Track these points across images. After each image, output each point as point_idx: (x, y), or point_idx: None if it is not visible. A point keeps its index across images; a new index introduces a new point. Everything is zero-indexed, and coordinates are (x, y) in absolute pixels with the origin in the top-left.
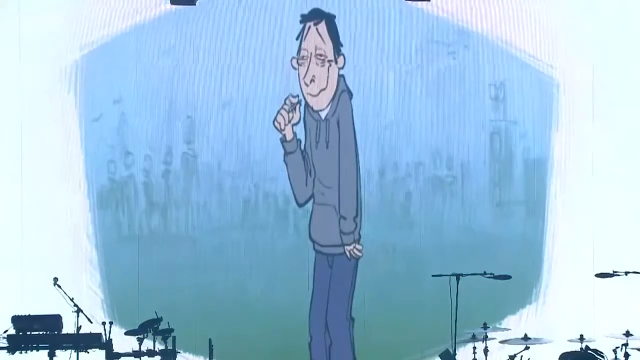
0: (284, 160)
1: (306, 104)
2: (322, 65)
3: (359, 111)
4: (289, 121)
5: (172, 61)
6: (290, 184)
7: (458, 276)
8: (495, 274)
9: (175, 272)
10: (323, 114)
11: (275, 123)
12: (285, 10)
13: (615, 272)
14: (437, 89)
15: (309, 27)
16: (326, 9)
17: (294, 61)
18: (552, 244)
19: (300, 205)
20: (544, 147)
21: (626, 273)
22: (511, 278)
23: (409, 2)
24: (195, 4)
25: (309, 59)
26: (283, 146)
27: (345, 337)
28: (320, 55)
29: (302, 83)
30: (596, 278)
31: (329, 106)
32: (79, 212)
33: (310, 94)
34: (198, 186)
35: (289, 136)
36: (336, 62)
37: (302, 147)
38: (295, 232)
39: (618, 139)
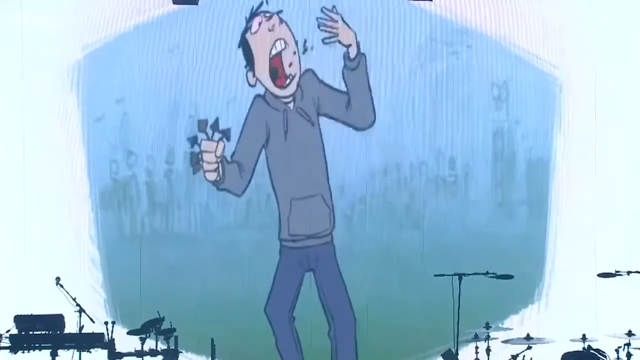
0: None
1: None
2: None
3: None
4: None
5: (175, 61)
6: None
7: (460, 276)
8: (498, 274)
9: (178, 272)
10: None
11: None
12: (288, 9)
13: (618, 272)
14: (439, 89)
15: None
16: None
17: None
18: (555, 243)
19: (239, 195)
20: (546, 146)
21: (628, 273)
22: (513, 278)
23: (412, 1)
24: (197, 4)
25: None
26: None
27: (351, 329)
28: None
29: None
30: (598, 278)
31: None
32: (81, 211)
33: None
34: (200, 186)
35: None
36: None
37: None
38: None
39: (620, 139)
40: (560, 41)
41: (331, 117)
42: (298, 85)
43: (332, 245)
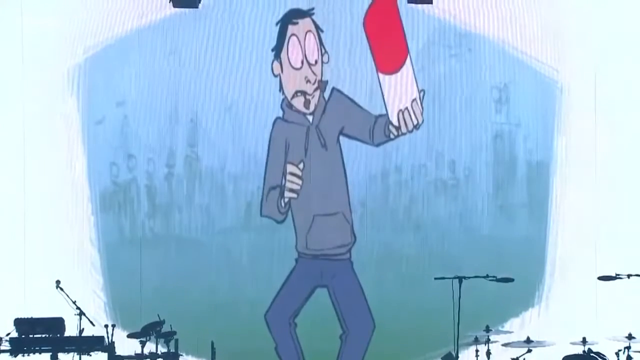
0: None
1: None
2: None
3: None
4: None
5: (175, 64)
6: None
7: (461, 279)
8: (498, 277)
9: (178, 275)
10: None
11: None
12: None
13: (618, 275)
14: (440, 92)
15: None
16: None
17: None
18: (555, 246)
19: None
20: (547, 149)
21: (629, 276)
22: (514, 281)
23: (412, 4)
24: (198, 7)
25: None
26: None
27: (366, 340)
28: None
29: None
30: (599, 281)
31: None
32: (81, 215)
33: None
34: (201, 189)
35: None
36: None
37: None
38: None
39: (621, 142)
40: (560, 44)
41: (354, 139)
42: (322, 103)
43: (349, 261)
